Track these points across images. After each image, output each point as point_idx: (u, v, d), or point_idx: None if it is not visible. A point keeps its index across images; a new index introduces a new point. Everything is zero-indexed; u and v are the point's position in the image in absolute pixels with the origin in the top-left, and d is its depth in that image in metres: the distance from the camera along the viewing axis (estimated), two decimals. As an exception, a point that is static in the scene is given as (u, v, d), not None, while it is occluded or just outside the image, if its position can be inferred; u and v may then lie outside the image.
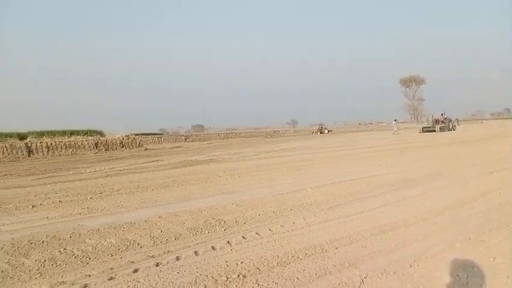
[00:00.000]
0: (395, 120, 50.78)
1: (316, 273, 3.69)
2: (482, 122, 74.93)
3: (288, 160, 15.29)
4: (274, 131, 71.74)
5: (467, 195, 6.91)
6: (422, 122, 76.76)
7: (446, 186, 7.88)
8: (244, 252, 4.38)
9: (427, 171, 9.91)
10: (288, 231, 5.14)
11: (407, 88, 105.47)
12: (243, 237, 4.93)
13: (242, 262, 4.04)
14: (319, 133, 61.44)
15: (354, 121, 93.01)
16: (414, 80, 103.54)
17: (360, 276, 3.56)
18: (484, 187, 7.54)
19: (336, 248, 4.41)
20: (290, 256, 4.19)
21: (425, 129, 43.45)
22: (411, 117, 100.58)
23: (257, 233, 5.07)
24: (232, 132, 67.74)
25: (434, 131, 41.79)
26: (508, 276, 3.48)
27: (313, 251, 4.34)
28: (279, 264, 3.96)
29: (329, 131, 64.82)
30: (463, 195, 6.87)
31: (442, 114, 46.14)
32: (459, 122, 49.63)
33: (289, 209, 6.39)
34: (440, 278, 3.49)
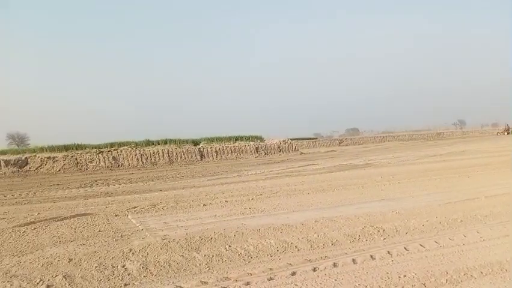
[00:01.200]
0: None
1: (496, 297, 3.19)
2: None
3: (456, 165, 13.84)
4: (438, 133, 65.98)
5: None
6: None
7: None
8: (407, 264, 4.06)
9: None
10: (459, 245, 4.61)
11: None
12: (405, 248, 4.59)
13: (405, 275, 3.74)
14: (506, 134, 53.70)
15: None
16: None
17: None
18: None
19: (521, 269, 3.76)
20: (462, 274, 3.72)
21: None
22: None
23: (421, 245, 4.67)
24: (389, 135, 64.61)
25: None
26: None
27: (490, 270, 3.78)
28: (448, 282, 3.55)
29: None
30: None
31: None
32: None
33: (459, 220, 5.73)
34: None
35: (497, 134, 55.11)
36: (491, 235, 4.94)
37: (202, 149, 27.19)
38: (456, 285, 3.47)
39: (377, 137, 62.96)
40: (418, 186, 9.20)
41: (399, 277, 3.71)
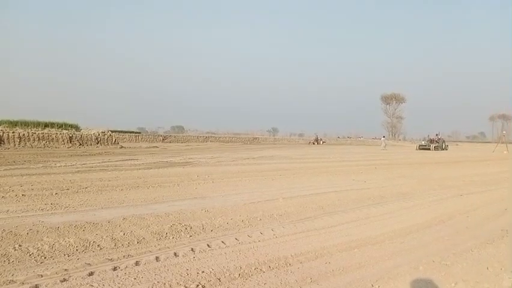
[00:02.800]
0: (384, 137, 54.35)
1: (277, 288, 3.61)
2: (457, 144, 76.67)
3: (265, 168, 15.22)
4: (254, 138, 71.71)
5: (435, 216, 6.97)
6: (399, 140, 78.86)
7: (417, 206, 7.95)
8: (207, 261, 4.27)
9: (399, 190, 10.00)
10: (255, 242, 5.06)
11: (387, 105, 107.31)
12: (208, 245, 4.82)
13: (203, 271, 3.92)
14: (316, 143, 62.92)
15: (333, 134, 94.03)
16: (395, 98, 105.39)
17: (320, 294, 3.50)
18: (453, 209, 7.64)
19: (301, 263, 4.35)
20: (253, 268, 4.10)
21: (421, 147, 47.28)
22: (388, 134, 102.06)
23: (223, 242, 4.97)
24: (211, 136, 67.41)
25: (429, 149, 45.31)
26: (468, 302, 3.48)
27: (277, 264, 4.26)
28: (240, 276, 3.86)
29: (323, 142, 66.85)
30: (432, 217, 6.93)
31: (437, 135, 50.17)
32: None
33: (258, 219, 6.31)
34: (400, 300, 3.46)
35: (309, 143, 63.71)
36: (283, 232, 5.57)
37: (1, 134, 23.50)
38: (246, 279, 3.80)
39: (201, 136, 64.88)
40: (229, 186, 9.79)
41: (197, 273, 3.87)
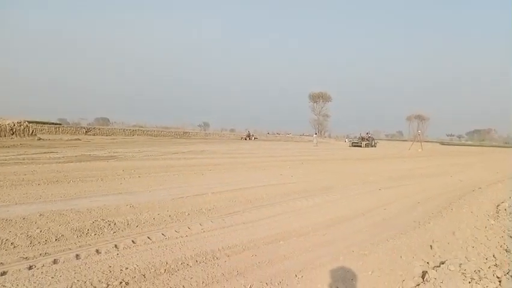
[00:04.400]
0: (316, 134, 56.83)
1: (203, 282, 3.61)
2: (377, 142, 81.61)
3: (194, 163, 15.06)
4: (184, 132, 70.61)
5: (356, 209, 7.38)
6: (325, 137, 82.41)
7: (339, 200, 8.34)
8: (132, 257, 4.15)
9: (323, 184, 10.42)
10: (182, 237, 5.01)
11: (315, 103, 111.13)
12: (133, 241, 4.69)
13: (127, 268, 3.81)
14: (248, 139, 63.19)
15: (263, 130, 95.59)
16: (322, 97, 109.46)
17: (245, 286, 3.55)
18: (372, 203, 8.12)
19: (228, 256, 4.39)
20: (180, 263, 4.06)
21: (354, 144, 51.25)
22: (316, 131, 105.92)
23: (149, 238, 4.86)
24: (139, 129, 65.15)
25: (361, 146, 49.56)
26: (382, 289, 3.73)
27: (204, 258, 4.26)
28: (166, 271, 3.81)
29: (255, 138, 67.24)
30: (353, 209, 7.33)
31: (367, 133, 54.98)
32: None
33: (186, 214, 6.25)
34: (321, 289, 3.63)
35: (241, 139, 64.08)
36: (211, 227, 5.57)
37: None
38: (172, 274, 3.76)
39: (127, 129, 62.52)
40: (157, 181, 9.56)
41: (121, 270, 3.76)
